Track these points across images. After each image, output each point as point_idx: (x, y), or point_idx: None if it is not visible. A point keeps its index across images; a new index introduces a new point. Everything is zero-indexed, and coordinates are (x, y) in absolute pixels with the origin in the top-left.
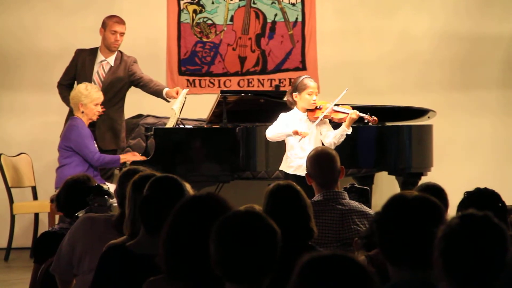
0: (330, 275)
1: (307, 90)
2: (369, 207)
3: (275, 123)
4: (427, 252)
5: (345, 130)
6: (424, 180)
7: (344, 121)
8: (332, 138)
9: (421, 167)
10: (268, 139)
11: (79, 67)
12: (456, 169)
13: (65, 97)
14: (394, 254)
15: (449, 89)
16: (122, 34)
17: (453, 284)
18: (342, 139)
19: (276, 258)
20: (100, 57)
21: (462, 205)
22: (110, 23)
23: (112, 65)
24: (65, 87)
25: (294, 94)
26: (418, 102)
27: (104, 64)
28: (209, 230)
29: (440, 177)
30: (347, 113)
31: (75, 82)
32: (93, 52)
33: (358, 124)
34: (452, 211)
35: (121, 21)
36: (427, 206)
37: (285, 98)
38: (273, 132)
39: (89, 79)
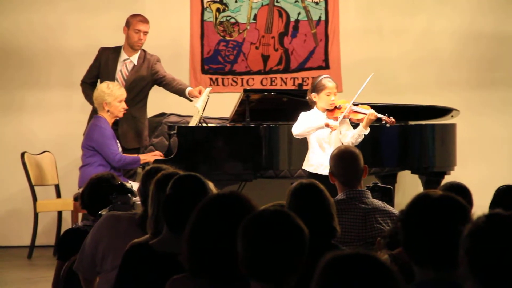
0: (353, 274)
1: (325, 91)
2: (392, 206)
3: (298, 121)
4: (453, 251)
5: (363, 130)
6: (447, 179)
7: (362, 121)
8: (350, 138)
9: (445, 166)
10: (295, 136)
11: (103, 65)
12: (479, 169)
13: (88, 95)
14: (419, 254)
15: (472, 87)
16: (145, 33)
17: (479, 283)
18: (360, 139)
19: (304, 257)
20: (123, 55)
21: (494, 200)
22: (134, 22)
23: (136, 63)
24: (88, 85)
25: (313, 94)
26: (441, 101)
27: (127, 62)
28: (233, 228)
29: (464, 176)
30: (366, 114)
31: (98, 81)
32: (116, 50)
33: (379, 123)
34: (476, 210)
35: (145, 20)
36: (452, 206)
37: (307, 97)
38: (301, 128)
39: (112, 78)
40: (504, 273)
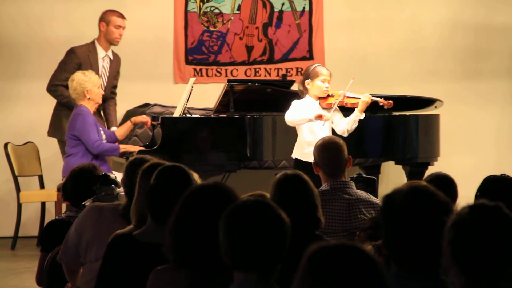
0: (338, 265)
1: (320, 77)
2: (376, 196)
3: (291, 108)
4: (435, 250)
5: (358, 115)
6: (432, 170)
7: (357, 106)
8: (345, 125)
9: (428, 157)
10: (287, 123)
11: (83, 63)
12: (464, 159)
13: (67, 97)
14: (399, 251)
15: (457, 79)
16: (124, 28)
17: (462, 273)
18: (355, 125)
19: (286, 247)
20: (101, 51)
21: (482, 190)
22: (114, 18)
23: (112, 58)
24: (64, 87)
25: (306, 81)
26: (425, 92)
27: (106, 58)
28: (216, 219)
29: (447, 167)
30: (360, 98)
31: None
32: (91, 47)
33: (370, 111)
34: (461, 201)
35: (123, 15)
36: (434, 201)
37: (295, 87)
38: (293, 116)
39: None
40: (486, 263)
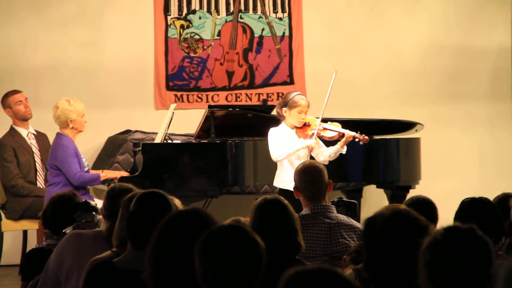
0: None
1: (297, 108)
2: (357, 220)
3: (275, 142)
4: (414, 273)
5: (340, 149)
6: (413, 193)
7: (334, 139)
8: (327, 156)
9: (409, 180)
10: (276, 161)
11: (17, 147)
12: (445, 182)
13: (29, 188)
14: (379, 273)
15: (437, 101)
16: (26, 99)
17: None
18: (336, 157)
19: (261, 271)
20: (23, 131)
21: (460, 213)
22: (11, 98)
23: (36, 134)
24: (19, 178)
25: (283, 109)
26: (406, 115)
27: (30, 135)
28: (194, 245)
29: (428, 190)
30: (337, 131)
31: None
32: (12, 132)
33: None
34: (443, 224)
35: (17, 91)
36: (412, 224)
37: (273, 111)
38: (285, 152)
39: (32, 154)
40: (461, 286)
